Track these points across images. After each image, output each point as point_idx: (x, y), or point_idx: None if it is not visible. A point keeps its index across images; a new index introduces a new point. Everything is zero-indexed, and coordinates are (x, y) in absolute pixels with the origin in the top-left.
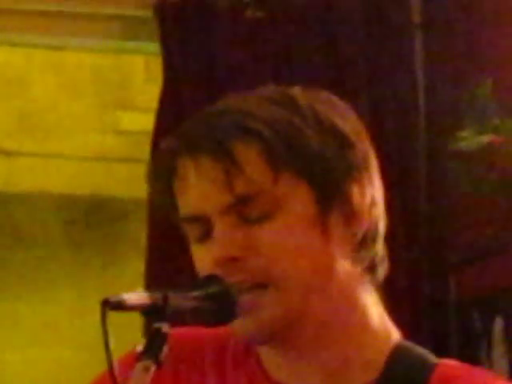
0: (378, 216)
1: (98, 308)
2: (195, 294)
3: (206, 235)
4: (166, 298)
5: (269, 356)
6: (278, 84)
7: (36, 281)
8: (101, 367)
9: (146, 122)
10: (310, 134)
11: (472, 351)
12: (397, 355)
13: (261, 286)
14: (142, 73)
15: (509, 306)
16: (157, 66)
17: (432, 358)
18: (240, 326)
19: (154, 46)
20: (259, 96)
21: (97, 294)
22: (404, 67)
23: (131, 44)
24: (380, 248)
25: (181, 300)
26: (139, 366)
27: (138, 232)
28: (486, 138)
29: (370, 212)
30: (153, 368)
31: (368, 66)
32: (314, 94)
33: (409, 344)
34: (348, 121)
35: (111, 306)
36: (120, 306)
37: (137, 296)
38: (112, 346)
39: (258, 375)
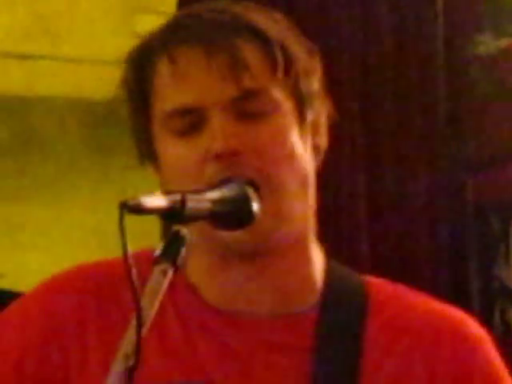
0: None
1: (116, 212)
2: (213, 196)
3: (194, 129)
4: (183, 201)
5: (207, 282)
6: None
7: (55, 185)
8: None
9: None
10: (296, 47)
11: (490, 255)
12: (332, 276)
13: (254, 184)
14: None
15: None
16: None
17: (356, 275)
18: (234, 237)
19: None
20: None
21: (116, 197)
22: None
23: None
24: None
25: (199, 203)
26: (157, 269)
27: None
28: (504, 42)
29: (325, 126)
30: (170, 271)
31: None
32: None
33: (335, 264)
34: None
35: (129, 208)
36: (138, 209)
37: (155, 199)
38: (129, 248)
39: (189, 302)
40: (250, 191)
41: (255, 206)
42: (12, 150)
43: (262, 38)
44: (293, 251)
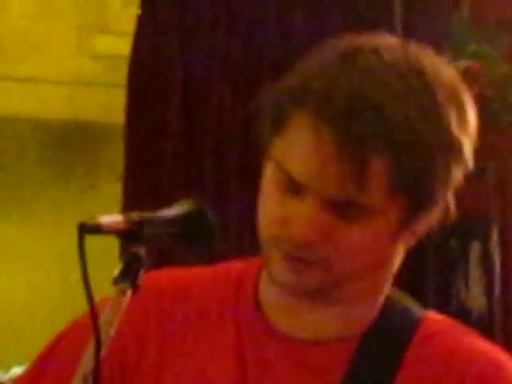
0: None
1: (75, 231)
2: (170, 215)
3: (291, 190)
4: (141, 222)
5: (276, 307)
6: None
7: (14, 205)
8: (77, 291)
9: (122, 46)
10: (437, 157)
11: (448, 274)
12: (387, 308)
13: (308, 262)
14: None
15: (485, 231)
16: None
17: (418, 310)
18: (275, 269)
19: None
20: (391, 70)
21: (74, 217)
22: None
23: None
24: None
25: (156, 223)
26: (116, 289)
27: (115, 156)
28: (462, 64)
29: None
30: (129, 292)
31: None
32: (437, 67)
33: (397, 295)
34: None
35: (88, 229)
36: (97, 230)
37: (113, 219)
38: (88, 269)
39: (257, 325)
40: (208, 209)
41: (213, 222)
42: None
43: (394, 157)
44: (358, 282)
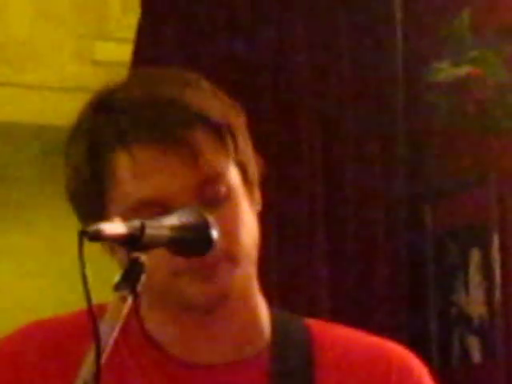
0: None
1: (75, 238)
2: (172, 222)
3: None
4: (142, 228)
5: (161, 332)
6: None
7: (15, 212)
8: (78, 297)
9: (122, 52)
10: (237, 123)
11: (449, 282)
12: (277, 321)
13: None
14: (118, 3)
15: (485, 238)
16: None
17: (298, 318)
18: (198, 290)
19: None
20: (179, 81)
21: (75, 224)
22: (382, 1)
23: None
24: None
25: (157, 229)
26: (116, 295)
27: None
28: (463, 70)
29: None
30: (130, 298)
31: None
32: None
33: (276, 309)
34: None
35: (88, 236)
36: (97, 236)
37: (114, 226)
38: (89, 275)
39: (159, 358)
40: (210, 217)
41: (214, 233)
42: None
43: (212, 127)
44: (241, 299)
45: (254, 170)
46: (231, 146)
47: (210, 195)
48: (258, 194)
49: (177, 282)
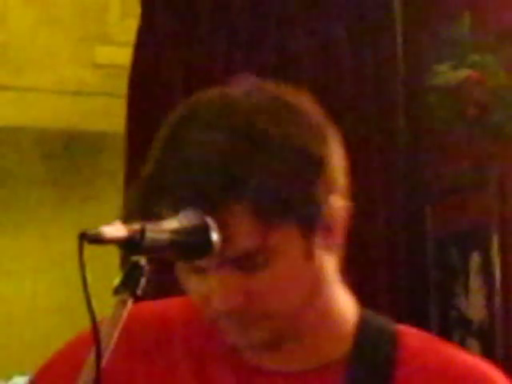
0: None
1: (76, 241)
2: (172, 226)
3: (201, 271)
4: (142, 231)
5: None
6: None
7: (14, 214)
8: (79, 301)
9: (122, 56)
10: (291, 175)
11: (449, 285)
12: (362, 329)
13: (252, 320)
14: (118, 7)
15: (485, 241)
16: (133, 1)
17: (391, 324)
18: (237, 338)
19: None
20: (227, 132)
21: (75, 227)
22: (382, 4)
23: None
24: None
25: (158, 233)
26: (116, 299)
27: (116, 166)
28: (463, 73)
29: (344, 217)
30: (130, 301)
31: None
32: (276, 109)
33: (369, 314)
34: (315, 131)
35: (89, 239)
36: (97, 239)
37: (114, 229)
38: (89, 278)
39: (238, 363)
40: (210, 220)
41: (215, 236)
42: None
43: (250, 199)
44: (298, 335)
45: (332, 213)
46: (278, 216)
47: (247, 264)
48: (336, 236)
49: (219, 323)
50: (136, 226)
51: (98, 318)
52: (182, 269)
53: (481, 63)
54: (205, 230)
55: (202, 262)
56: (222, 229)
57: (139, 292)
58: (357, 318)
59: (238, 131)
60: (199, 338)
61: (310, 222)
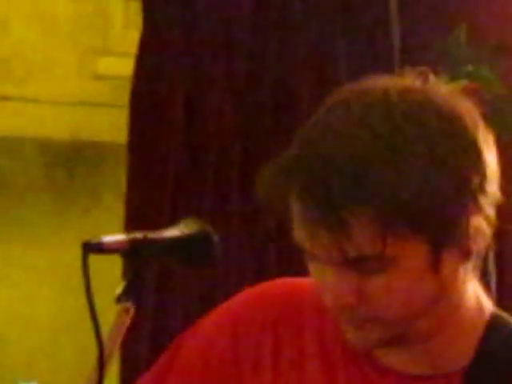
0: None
1: (78, 250)
2: (173, 234)
3: (318, 260)
4: (143, 241)
5: None
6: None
7: (16, 224)
8: (81, 309)
9: (124, 67)
10: (428, 191)
11: None
12: (491, 333)
13: (364, 319)
14: (120, 18)
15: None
16: (135, 12)
17: None
18: (351, 336)
19: None
20: (366, 129)
21: (78, 237)
22: (379, 13)
23: None
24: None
25: (158, 241)
26: (119, 307)
27: (118, 176)
28: (459, 84)
29: (485, 238)
30: (132, 310)
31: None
32: (426, 117)
33: (502, 316)
34: (465, 145)
35: (91, 248)
36: (100, 249)
37: (116, 239)
38: (93, 287)
39: (354, 358)
40: (210, 229)
41: (215, 246)
42: None
43: (373, 207)
44: (426, 335)
45: (470, 236)
46: (397, 223)
47: (359, 268)
48: (477, 243)
49: (337, 318)
50: (137, 235)
51: (101, 325)
52: (304, 252)
53: (477, 74)
54: (205, 239)
55: (321, 255)
56: (341, 227)
57: (141, 300)
58: (486, 318)
59: (383, 137)
60: (331, 333)
61: (442, 241)
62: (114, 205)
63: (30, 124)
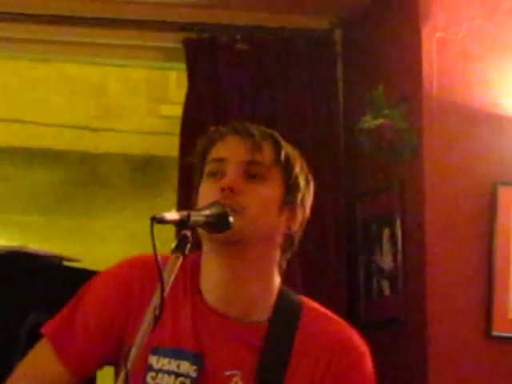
0: (304, 222)
1: (148, 222)
2: (205, 212)
3: (219, 174)
4: (188, 215)
5: (208, 284)
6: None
7: (114, 207)
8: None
9: (177, 111)
10: (298, 163)
11: (371, 248)
12: (281, 298)
13: (235, 211)
14: (175, 79)
15: (392, 222)
16: (184, 75)
17: (297, 297)
18: (218, 236)
19: (183, 65)
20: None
21: (148, 214)
22: (326, 91)
23: (168, 64)
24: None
25: (197, 216)
26: (172, 256)
27: (173, 177)
28: (379, 121)
29: (303, 220)
30: (180, 258)
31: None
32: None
33: (284, 287)
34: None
35: (156, 220)
36: (161, 220)
37: (171, 214)
38: (157, 245)
39: (199, 303)
40: (229, 210)
41: (231, 219)
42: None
43: (276, 143)
44: (256, 248)
45: (298, 202)
46: (283, 160)
47: (252, 171)
48: (295, 225)
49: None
50: (184, 213)
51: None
52: (202, 182)
53: (390, 115)
54: (225, 216)
55: (231, 157)
56: (254, 145)
57: (186, 252)
58: (278, 288)
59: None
60: (181, 283)
61: (291, 190)
62: (171, 195)
63: (120, 145)
